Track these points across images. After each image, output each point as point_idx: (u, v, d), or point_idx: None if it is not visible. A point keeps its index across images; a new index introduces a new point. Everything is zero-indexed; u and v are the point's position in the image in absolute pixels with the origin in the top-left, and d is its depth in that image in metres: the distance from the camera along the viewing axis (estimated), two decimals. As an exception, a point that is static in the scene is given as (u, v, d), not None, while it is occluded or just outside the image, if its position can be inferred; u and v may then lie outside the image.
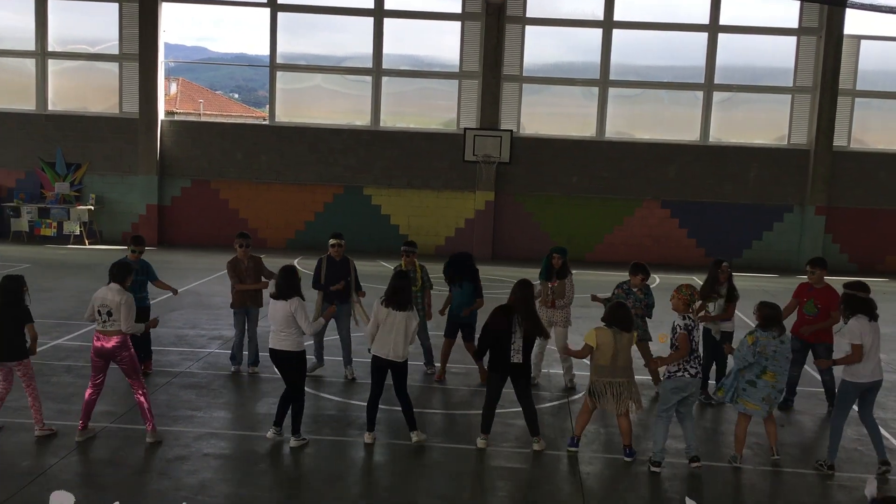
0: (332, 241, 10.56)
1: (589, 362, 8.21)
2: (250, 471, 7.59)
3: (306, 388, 9.80)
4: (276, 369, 8.47)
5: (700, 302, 9.34)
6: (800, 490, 7.68)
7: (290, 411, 8.22)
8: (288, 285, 8.24)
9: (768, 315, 7.98)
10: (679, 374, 7.84)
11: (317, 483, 7.38)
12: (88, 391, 8.08)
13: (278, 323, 8.16)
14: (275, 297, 8.25)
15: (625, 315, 8.09)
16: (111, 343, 7.99)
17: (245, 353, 10.66)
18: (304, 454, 8.00)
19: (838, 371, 10.35)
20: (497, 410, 8.41)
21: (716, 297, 9.97)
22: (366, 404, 8.41)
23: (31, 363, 8.14)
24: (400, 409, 8.40)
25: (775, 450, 8.14)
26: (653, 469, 7.81)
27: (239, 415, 9.10)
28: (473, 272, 10.57)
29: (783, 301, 9.31)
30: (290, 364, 8.24)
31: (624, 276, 10.45)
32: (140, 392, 8.06)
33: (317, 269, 10.60)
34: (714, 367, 10.16)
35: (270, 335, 8.27)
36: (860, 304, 7.96)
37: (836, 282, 9.87)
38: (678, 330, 7.89)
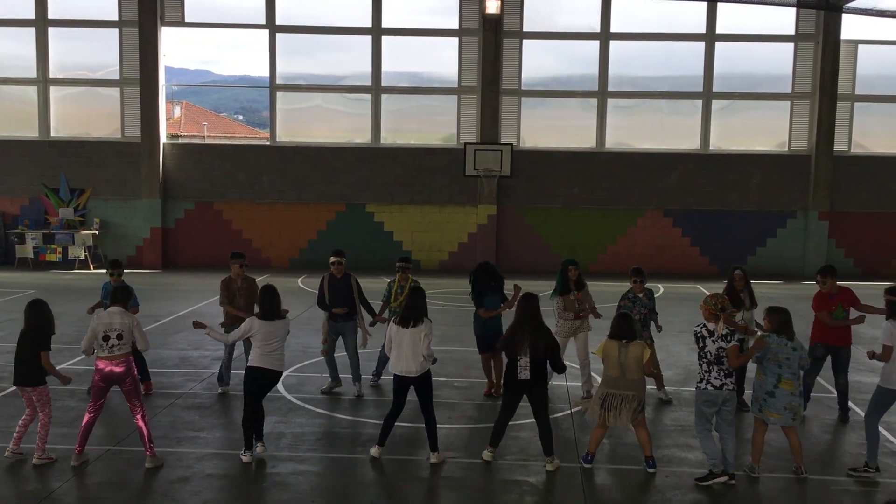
0: (332, 259, 10.58)
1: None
2: (252, 490, 7.59)
3: (314, 408, 9.90)
4: (249, 389, 8.23)
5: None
6: (820, 499, 7.61)
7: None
8: (278, 304, 8.34)
9: (783, 321, 7.89)
10: (702, 386, 7.76)
11: (320, 501, 7.36)
12: (90, 415, 8.04)
13: (277, 341, 8.20)
14: (267, 317, 8.23)
15: (627, 326, 8.09)
16: (121, 367, 8.01)
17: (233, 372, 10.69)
18: (311, 472, 7.97)
19: (854, 377, 10.35)
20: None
21: (742, 308, 9.95)
22: (375, 421, 8.37)
23: (47, 390, 8.12)
24: (407, 425, 8.37)
25: (802, 467, 7.92)
26: (728, 482, 7.62)
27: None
28: (500, 281, 10.65)
29: (791, 307, 9.22)
30: (276, 382, 8.45)
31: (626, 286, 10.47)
32: (140, 416, 8.03)
33: (320, 288, 10.61)
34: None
35: (260, 356, 8.17)
36: None
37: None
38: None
